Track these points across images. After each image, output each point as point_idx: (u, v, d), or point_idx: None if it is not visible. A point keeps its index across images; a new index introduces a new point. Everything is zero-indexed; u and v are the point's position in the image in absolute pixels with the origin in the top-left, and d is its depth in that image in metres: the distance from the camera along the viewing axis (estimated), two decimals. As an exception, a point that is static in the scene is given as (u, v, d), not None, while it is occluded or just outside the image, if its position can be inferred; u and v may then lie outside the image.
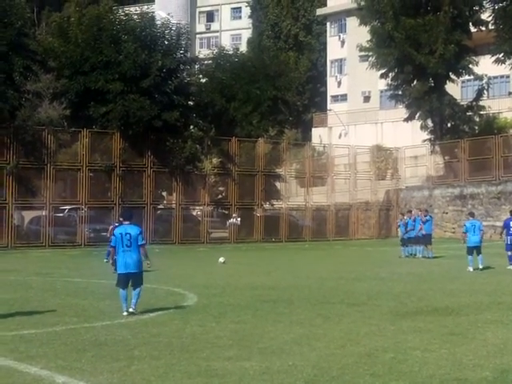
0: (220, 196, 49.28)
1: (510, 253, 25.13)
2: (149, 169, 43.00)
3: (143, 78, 41.30)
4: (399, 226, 33.37)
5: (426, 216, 31.83)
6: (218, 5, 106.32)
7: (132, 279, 14.14)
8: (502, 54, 49.30)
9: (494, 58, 49.88)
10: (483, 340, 11.28)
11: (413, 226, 31.60)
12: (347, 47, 73.35)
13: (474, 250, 24.67)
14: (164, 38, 44.30)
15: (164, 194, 49.29)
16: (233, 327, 12.67)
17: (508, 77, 56.52)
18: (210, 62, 52.40)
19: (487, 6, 51.25)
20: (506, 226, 26.02)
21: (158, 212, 45.36)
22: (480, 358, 9.90)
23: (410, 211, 35.02)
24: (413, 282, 20.64)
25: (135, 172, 43.31)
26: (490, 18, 50.29)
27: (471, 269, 24.01)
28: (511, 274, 22.76)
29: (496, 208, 44.93)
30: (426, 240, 31.17)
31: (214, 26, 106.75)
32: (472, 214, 27.26)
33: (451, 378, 8.76)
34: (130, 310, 13.95)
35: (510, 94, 53.54)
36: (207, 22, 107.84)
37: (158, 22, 44.70)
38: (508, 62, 49.47)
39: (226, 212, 48.13)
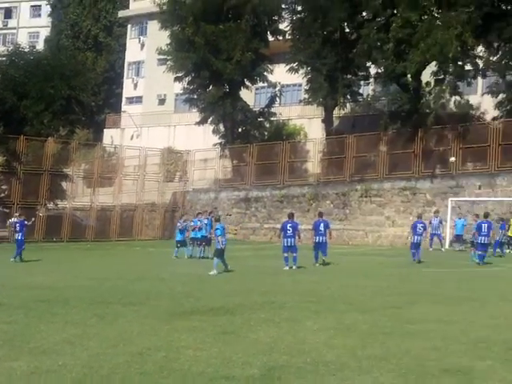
0: (2, 194, 47.75)
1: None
2: None
3: None
4: (180, 229, 33.40)
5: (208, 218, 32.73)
6: (18, 1, 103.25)
7: None
8: (296, 63, 51.13)
9: (288, 66, 51.65)
10: (255, 339, 11.52)
11: (199, 225, 32.14)
12: (146, 50, 73.41)
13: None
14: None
15: None
16: (3, 327, 12.24)
17: (300, 85, 58.78)
18: (3, 58, 50.73)
19: (286, 16, 52.91)
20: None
21: None
22: (249, 355, 10.12)
23: (201, 213, 35.50)
24: (192, 282, 20.84)
25: None
26: (288, 28, 52.05)
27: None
28: (288, 275, 23.33)
29: (278, 211, 46.55)
30: (206, 241, 31.87)
31: (12, 22, 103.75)
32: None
33: (220, 375, 8.92)
34: None
35: (300, 101, 55.59)
36: (5, 18, 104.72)
37: None
38: (301, 71, 51.42)
39: (7, 211, 46.68)
